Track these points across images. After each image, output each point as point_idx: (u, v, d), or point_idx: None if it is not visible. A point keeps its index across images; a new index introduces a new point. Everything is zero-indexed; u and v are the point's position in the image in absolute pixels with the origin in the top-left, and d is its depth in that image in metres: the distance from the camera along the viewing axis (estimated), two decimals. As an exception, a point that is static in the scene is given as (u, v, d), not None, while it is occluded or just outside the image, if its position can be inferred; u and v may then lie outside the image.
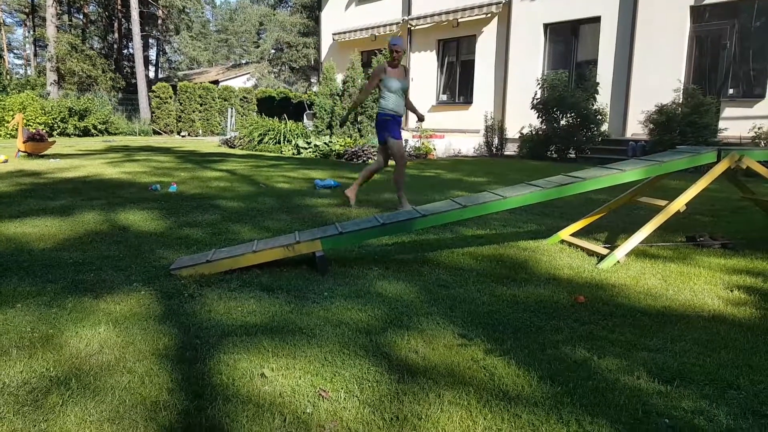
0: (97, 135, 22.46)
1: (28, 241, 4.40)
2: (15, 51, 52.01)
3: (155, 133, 25.50)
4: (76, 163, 10.35)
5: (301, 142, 14.33)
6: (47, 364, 2.31)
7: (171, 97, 26.04)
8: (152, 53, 45.59)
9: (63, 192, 6.82)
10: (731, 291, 3.38)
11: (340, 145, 13.37)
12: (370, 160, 12.19)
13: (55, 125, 21.07)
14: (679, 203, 4.01)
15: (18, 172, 8.73)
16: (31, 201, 6.14)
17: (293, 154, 14.09)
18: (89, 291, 3.22)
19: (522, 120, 14.10)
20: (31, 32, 42.19)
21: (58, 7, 31.77)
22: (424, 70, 17.83)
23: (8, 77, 29.56)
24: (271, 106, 26.05)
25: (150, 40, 41.91)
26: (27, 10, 41.49)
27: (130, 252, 4.15)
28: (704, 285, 3.49)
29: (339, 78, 17.39)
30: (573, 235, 4.63)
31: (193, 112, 26.01)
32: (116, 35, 38.04)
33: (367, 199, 6.75)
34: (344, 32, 19.65)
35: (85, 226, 4.98)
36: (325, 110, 16.89)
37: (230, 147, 16.50)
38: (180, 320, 2.82)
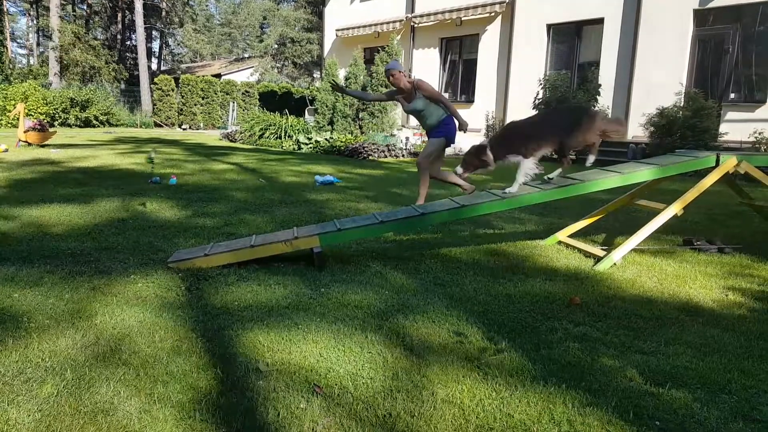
0: (98, 126, 22.43)
1: (28, 231, 4.41)
2: (18, 40, 51.90)
3: (156, 125, 25.47)
4: (77, 153, 10.35)
5: (302, 138, 14.32)
6: (43, 354, 2.33)
7: (173, 90, 25.99)
8: (155, 45, 45.55)
9: (66, 182, 6.83)
10: (726, 295, 3.39)
11: (342, 141, 13.37)
12: (370, 156, 12.19)
13: (57, 115, 21.04)
14: (677, 207, 4.02)
15: (25, 161, 8.73)
16: (32, 192, 6.15)
17: (294, 149, 14.09)
18: (87, 282, 3.23)
19: (523, 120, 14.08)
20: (35, 22, 42.12)
21: (62, -3, 31.71)
22: (426, 68, 17.80)
23: (11, 67, 29.50)
24: (272, 100, 26.04)
25: (153, 32, 41.84)
26: (31, 0, 41.40)
27: (129, 244, 4.16)
28: (699, 289, 3.50)
29: (341, 74, 17.36)
30: (570, 236, 4.63)
31: (195, 105, 25.96)
32: (119, 26, 37.97)
33: (367, 195, 6.76)
34: (347, 28, 19.60)
35: (84, 217, 4.98)
36: (327, 106, 16.88)
37: (231, 141, 16.49)
38: (176, 314, 2.83)
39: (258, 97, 27.00)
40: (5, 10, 39.95)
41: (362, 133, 15.44)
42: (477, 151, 4.12)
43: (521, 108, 14.37)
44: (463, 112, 18.02)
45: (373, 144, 12.88)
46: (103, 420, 1.89)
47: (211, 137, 18.44)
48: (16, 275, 3.30)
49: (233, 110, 24.00)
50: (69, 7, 36.90)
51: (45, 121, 14.66)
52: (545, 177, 4.21)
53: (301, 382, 2.18)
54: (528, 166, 3.99)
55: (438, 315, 2.93)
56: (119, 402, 2.00)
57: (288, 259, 3.81)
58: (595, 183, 4.03)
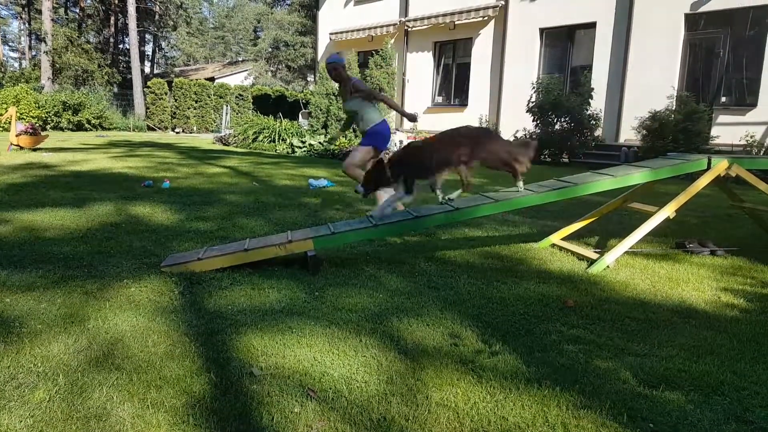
0: (90, 130, 22.31)
1: (20, 235, 4.38)
2: (10, 44, 51.62)
3: (149, 129, 25.38)
4: (70, 157, 10.30)
5: (296, 141, 14.30)
6: (35, 360, 2.31)
7: (166, 94, 25.92)
8: (148, 48, 45.42)
9: (58, 185, 6.79)
10: (718, 297, 3.41)
11: (336, 145, 13.37)
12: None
13: (49, 119, 20.92)
14: (669, 209, 4.04)
15: (17, 165, 8.68)
16: (24, 196, 6.11)
17: (288, 152, 14.06)
18: (79, 287, 3.21)
19: (517, 123, 14.13)
20: (27, 25, 41.89)
21: (54, 0, 31.56)
22: (420, 71, 17.85)
23: (3, 70, 29.37)
24: (266, 104, 25.98)
25: (146, 36, 41.74)
26: (23, 3, 41.17)
27: (122, 248, 4.14)
28: (692, 291, 3.52)
29: (335, 77, 17.33)
30: (564, 239, 4.65)
31: (188, 108, 25.90)
32: (112, 30, 37.85)
33: (361, 198, 6.75)
34: (341, 32, 19.63)
35: (77, 221, 4.96)
36: (321, 109, 16.88)
37: (224, 144, 16.44)
38: (170, 318, 2.81)
39: (252, 100, 26.95)
40: (-3, 13, 39.72)
41: (356, 136, 15.44)
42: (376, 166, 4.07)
43: (514, 111, 14.45)
44: (457, 116, 18.02)
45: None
46: (96, 425, 1.88)
47: (205, 141, 18.39)
48: (8, 280, 3.28)
49: (227, 114, 23.95)
50: (61, 11, 36.76)
51: (37, 124, 14.58)
52: (446, 198, 4.05)
53: (295, 386, 2.17)
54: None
55: (432, 318, 2.93)
56: (112, 407, 1.99)
57: (282, 263, 3.80)
58: (588, 186, 4.05)
